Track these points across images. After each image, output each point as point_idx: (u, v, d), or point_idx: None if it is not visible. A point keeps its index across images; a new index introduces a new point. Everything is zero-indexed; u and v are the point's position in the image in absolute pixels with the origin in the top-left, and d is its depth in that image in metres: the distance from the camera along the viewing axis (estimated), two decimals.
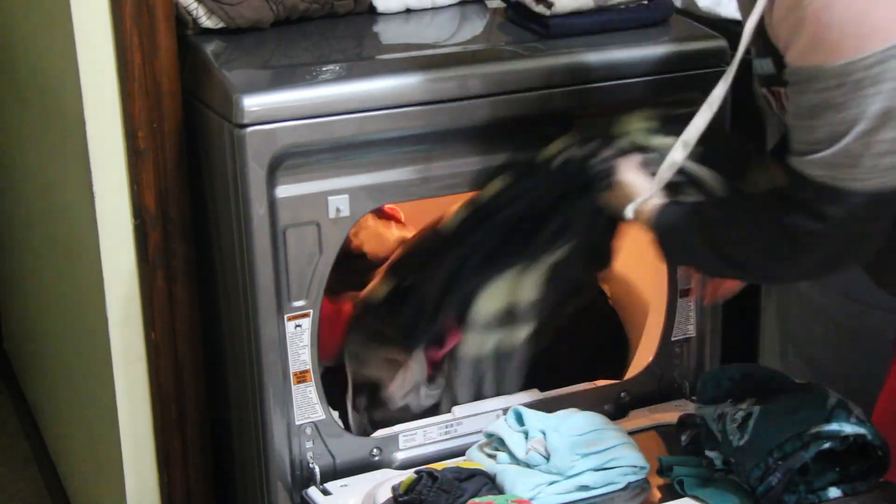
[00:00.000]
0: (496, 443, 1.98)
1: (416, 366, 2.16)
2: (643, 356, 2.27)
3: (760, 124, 2.33)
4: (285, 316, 1.95)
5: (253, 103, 1.85)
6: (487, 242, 1.99)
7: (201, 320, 2.16)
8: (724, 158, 1.89)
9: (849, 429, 1.82)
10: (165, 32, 2.00)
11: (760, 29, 1.67)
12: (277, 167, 1.89)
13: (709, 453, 1.92)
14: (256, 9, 2.08)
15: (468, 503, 1.83)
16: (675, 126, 1.83)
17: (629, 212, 1.85)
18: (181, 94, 2.03)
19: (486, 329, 2.05)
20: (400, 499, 1.85)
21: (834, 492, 1.85)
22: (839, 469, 1.85)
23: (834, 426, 1.82)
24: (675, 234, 1.81)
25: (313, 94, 1.90)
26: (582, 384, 2.28)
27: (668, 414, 2.14)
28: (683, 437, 1.99)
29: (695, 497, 1.88)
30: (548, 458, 1.90)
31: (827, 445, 1.81)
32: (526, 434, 1.95)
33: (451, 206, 2.08)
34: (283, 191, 1.91)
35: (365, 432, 2.10)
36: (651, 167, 1.87)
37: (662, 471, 1.96)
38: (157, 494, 2.22)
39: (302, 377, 1.99)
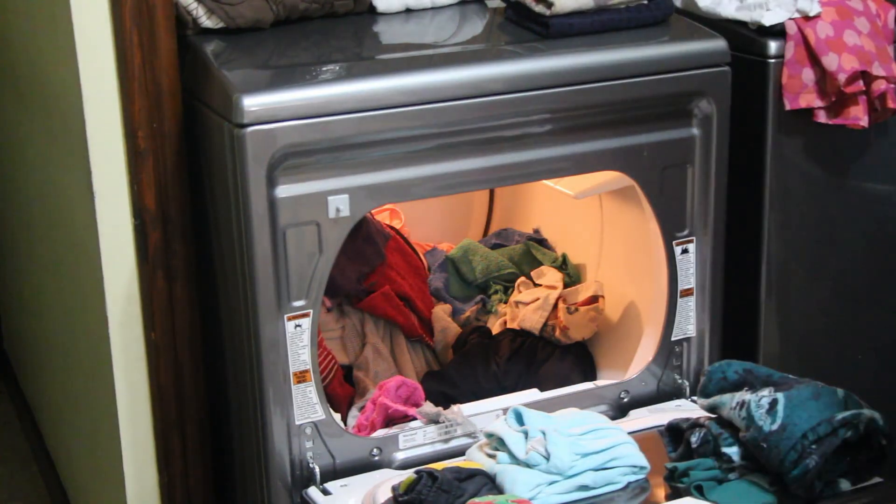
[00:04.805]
0: (496, 443, 1.98)
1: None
2: (643, 356, 2.27)
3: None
4: (285, 316, 1.95)
5: (253, 103, 1.85)
6: None
7: (201, 320, 2.16)
8: None
9: (866, 411, 1.86)
10: (165, 32, 2.00)
11: None
12: (277, 167, 1.89)
13: (726, 450, 1.92)
14: (256, 9, 2.08)
15: (468, 503, 1.83)
16: None
17: None
18: (181, 94, 2.03)
19: None
20: (400, 499, 1.85)
21: (845, 484, 1.88)
22: (849, 459, 1.88)
23: (853, 410, 1.86)
24: None
25: (313, 94, 1.90)
26: (582, 384, 2.28)
27: (668, 414, 2.14)
28: (693, 439, 1.98)
29: (714, 501, 1.87)
30: (548, 458, 1.90)
31: (850, 433, 1.84)
32: (526, 434, 1.94)
33: (450, 205, 2.07)
34: (283, 191, 1.91)
35: None
36: None
37: (674, 476, 1.94)
38: (157, 494, 2.22)
39: (302, 377, 1.98)
